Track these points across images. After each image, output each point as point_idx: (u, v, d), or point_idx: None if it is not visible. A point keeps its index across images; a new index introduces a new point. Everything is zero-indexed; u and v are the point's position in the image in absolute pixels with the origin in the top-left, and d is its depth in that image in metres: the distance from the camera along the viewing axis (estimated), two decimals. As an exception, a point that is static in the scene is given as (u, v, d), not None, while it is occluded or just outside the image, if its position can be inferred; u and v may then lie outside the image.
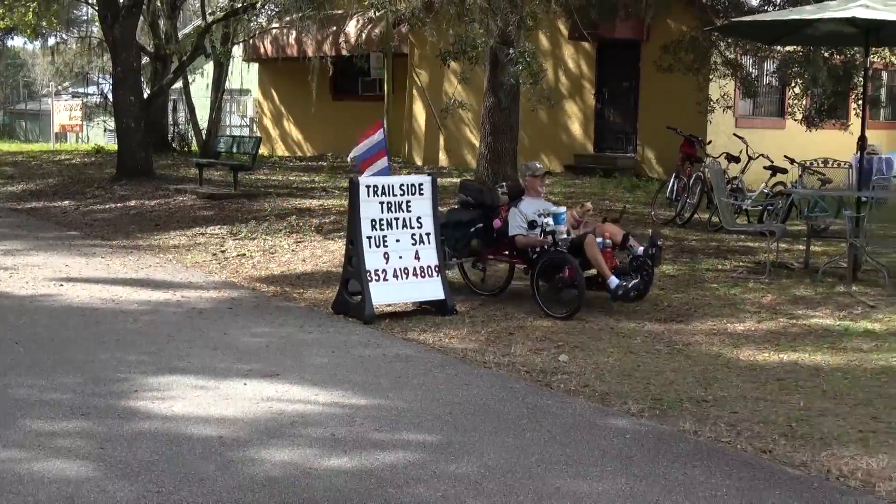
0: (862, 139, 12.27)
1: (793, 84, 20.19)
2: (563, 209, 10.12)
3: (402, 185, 9.70)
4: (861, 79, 16.57)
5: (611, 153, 23.71)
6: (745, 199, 15.17)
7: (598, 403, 6.80)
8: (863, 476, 5.41)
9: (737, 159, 16.47)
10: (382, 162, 11.13)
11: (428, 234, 9.72)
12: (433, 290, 9.65)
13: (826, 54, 18.70)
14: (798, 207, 14.94)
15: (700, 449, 5.86)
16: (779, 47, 18.58)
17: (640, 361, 7.84)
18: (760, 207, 14.90)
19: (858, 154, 12.73)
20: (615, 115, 24.21)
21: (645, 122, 23.11)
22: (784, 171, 15.84)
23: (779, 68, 20.62)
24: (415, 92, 26.80)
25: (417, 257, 9.63)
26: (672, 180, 16.66)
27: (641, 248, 9.65)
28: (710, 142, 18.35)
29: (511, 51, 14.88)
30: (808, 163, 16.49)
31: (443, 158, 26.17)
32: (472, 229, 10.37)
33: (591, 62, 24.11)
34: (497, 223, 10.30)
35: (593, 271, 9.65)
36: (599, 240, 9.66)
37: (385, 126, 11.67)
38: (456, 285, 10.58)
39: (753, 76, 21.56)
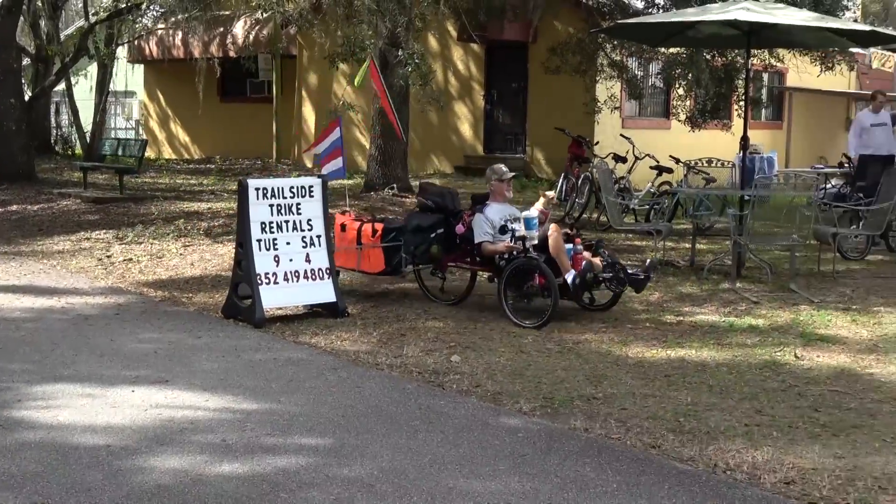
0: (744, 139, 12.55)
1: (677, 85, 20.56)
2: (534, 213, 9.62)
3: (291, 187, 9.61)
4: (743, 80, 16.93)
5: (500, 154, 23.86)
6: (632, 198, 15.40)
7: (491, 403, 6.83)
8: (748, 469, 5.52)
9: (624, 159, 16.71)
10: (337, 162, 10.99)
11: (319, 237, 9.65)
12: (324, 292, 9.59)
13: (709, 56, 19.09)
14: (683, 206, 15.23)
15: (591, 446, 5.92)
16: (663, 49, 18.91)
17: (532, 361, 7.89)
18: (647, 206, 15.15)
19: (741, 153, 12.99)
20: (504, 116, 24.38)
21: (534, 123, 23.31)
22: (670, 170, 16.12)
23: (663, 70, 20.99)
24: (304, 94, 26.64)
25: (308, 260, 9.55)
26: (561, 180, 16.84)
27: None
28: (597, 142, 18.61)
29: (400, 52, 14.88)
30: (692, 162, 16.80)
31: (333, 160, 26.02)
32: (433, 235, 9.95)
33: (481, 64, 24.24)
34: (460, 229, 9.84)
35: (563, 278, 9.19)
36: (569, 246, 9.33)
37: (341, 125, 11.18)
38: (411, 295, 10.38)
39: (639, 78, 21.91)
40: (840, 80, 27.25)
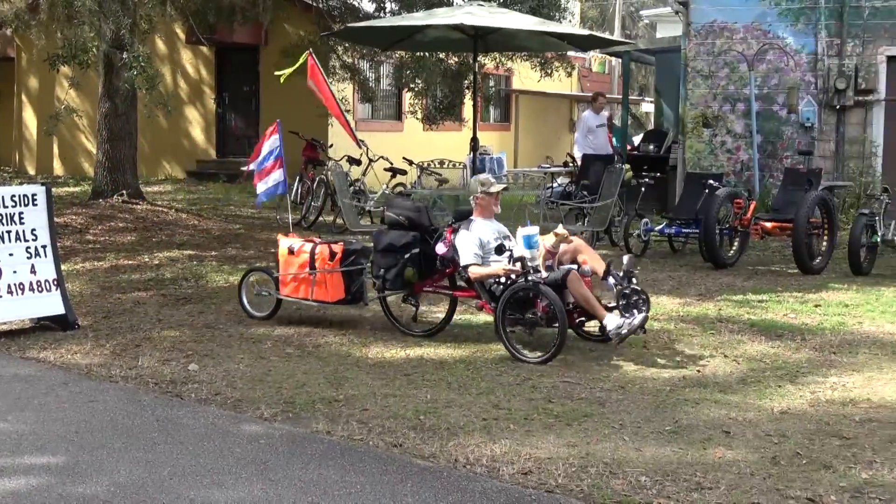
0: (474, 140, 12.88)
1: (408, 87, 20.86)
2: (535, 229, 8.42)
3: (13, 196, 9.14)
4: (472, 82, 17.34)
5: (234, 158, 23.61)
6: (367, 200, 15.53)
7: (231, 411, 6.72)
8: (488, 462, 5.65)
9: (358, 162, 16.83)
10: (277, 176, 9.78)
11: (44, 247, 9.22)
12: (52, 304, 9.18)
13: (442, 56, 19.47)
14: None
15: (334, 448, 5.92)
16: (396, 51, 19.16)
17: (272, 366, 7.82)
18: (382, 208, 15.29)
19: (472, 154, 13.32)
20: (237, 119, 24.12)
21: (267, 126, 23.13)
22: (403, 172, 16.35)
23: (394, 73, 21.26)
24: (24, 98, 25.48)
25: (34, 271, 9.11)
26: (296, 184, 16.80)
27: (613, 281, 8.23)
28: (331, 145, 18.66)
29: (125, 55, 14.44)
30: (425, 164, 17.11)
31: (58, 167, 25.08)
32: (407, 255, 8.71)
33: (211, 67, 23.88)
34: (442, 248, 8.62)
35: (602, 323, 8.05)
36: (573, 266, 8.26)
37: (280, 130, 10.01)
38: (374, 324, 9.33)
39: (371, 80, 22.10)
40: (563, 82, 28.33)
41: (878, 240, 11.98)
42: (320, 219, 16.07)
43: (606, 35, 23.91)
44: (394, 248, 8.76)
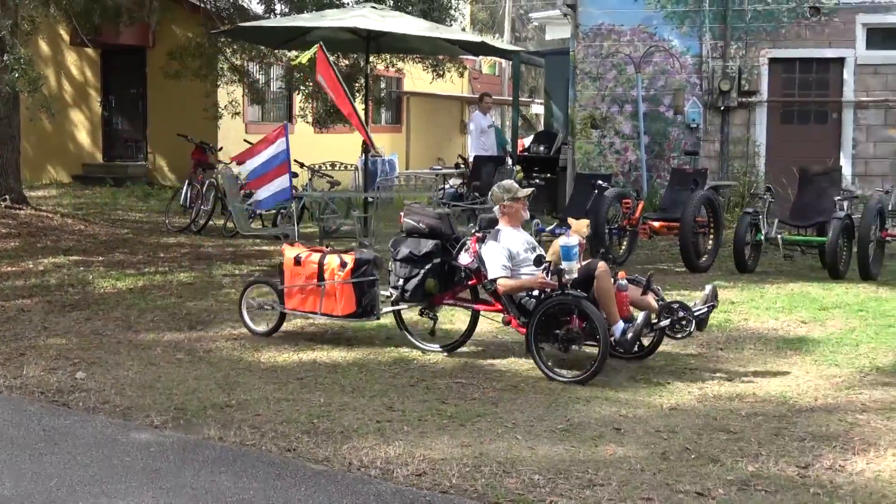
0: (366, 142, 12.83)
1: (299, 89, 20.73)
2: (575, 239, 7.72)
3: None
4: (364, 84, 17.31)
5: (121, 161, 23.24)
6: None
7: (120, 419, 6.60)
8: (382, 464, 5.64)
9: (249, 164, 16.63)
10: (283, 181, 9.35)
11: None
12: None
13: (333, 59, 19.36)
14: (310, 210, 15.37)
15: (226, 454, 5.85)
16: (286, 53, 19.02)
17: (162, 372, 7.70)
18: (274, 211, 15.17)
19: (363, 156, 13.29)
20: (124, 122, 23.73)
21: (155, 130, 22.82)
22: (295, 174, 16.22)
23: (284, 75, 21.11)
24: None
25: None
26: (185, 187, 16.61)
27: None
28: (221, 148, 18.45)
29: (6, 57, 14.08)
30: (317, 166, 17.01)
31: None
32: (428, 266, 8.21)
33: (96, 69, 23.46)
34: (466, 259, 8.11)
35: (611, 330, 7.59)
36: (619, 281, 7.78)
37: (287, 133, 9.51)
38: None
39: (261, 82, 21.91)
40: (454, 84, 28.44)
41: (762, 238, 12.26)
42: (210, 223, 15.88)
43: (498, 42, 24.10)
44: (414, 258, 8.23)
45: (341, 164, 18.32)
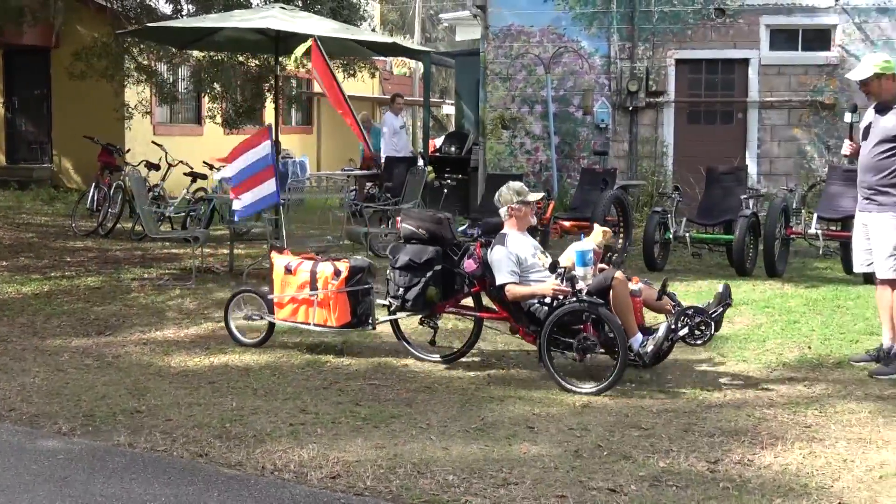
0: (276, 143, 12.74)
1: (208, 90, 20.53)
2: (590, 244, 7.61)
3: None
4: (273, 84, 17.20)
5: (25, 164, 22.81)
6: (167, 206, 15.20)
7: (27, 426, 6.46)
8: (296, 467, 5.61)
9: (157, 167, 16.46)
10: (270, 185, 8.87)
11: None
12: None
13: (242, 59, 19.24)
14: (220, 212, 15.22)
15: (136, 461, 5.76)
16: (195, 53, 18.83)
17: (69, 378, 7.56)
18: (183, 214, 15.01)
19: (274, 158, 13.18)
20: (28, 124, 23.31)
21: (60, 131, 22.44)
22: (204, 176, 16.07)
23: (193, 74, 20.88)
24: None
25: None
26: (92, 190, 16.36)
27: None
28: (128, 150, 18.19)
29: None
30: (227, 168, 16.85)
31: None
32: (430, 273, 7.81)
33: (-2, 70, 22.99)
34: (471, 265, 7.69)
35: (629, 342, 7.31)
36: (632, 286, 7.46)
37: (272, 135, 9.10)
38: (381, 343, 8.52)
39: (169, 83, 21.65)
40: (365, 85, 28.37)
41: (671, 236, 12.44)
42: (118, 226, 15.64)
43: (408, 43, 24.10)
44: (414, 265, 7.81)
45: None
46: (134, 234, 15.14)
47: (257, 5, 17.23)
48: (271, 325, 8.53)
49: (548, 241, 13.27)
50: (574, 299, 7.22)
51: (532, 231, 12.82)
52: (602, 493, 5.19)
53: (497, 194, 7.95)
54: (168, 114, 23.90)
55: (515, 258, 7.56)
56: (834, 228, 12.44)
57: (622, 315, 7.19)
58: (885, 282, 7.64)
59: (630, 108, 17.38)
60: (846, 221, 12.19)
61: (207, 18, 14.03)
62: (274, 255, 8.68)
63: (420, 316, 8.13)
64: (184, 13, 18.78)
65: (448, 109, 36.07)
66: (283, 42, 12.58)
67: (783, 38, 17.35)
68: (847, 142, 8.12)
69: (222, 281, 11.59)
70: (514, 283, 7.49)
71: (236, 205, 9.59)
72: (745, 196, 12.32)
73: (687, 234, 12.37)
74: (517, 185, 8.03)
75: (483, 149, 17.79)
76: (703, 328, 7.36)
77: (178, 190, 16.73)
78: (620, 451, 5.86)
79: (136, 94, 20.44)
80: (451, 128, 28.77)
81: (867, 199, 7.73)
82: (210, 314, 9.85)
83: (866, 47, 16.80)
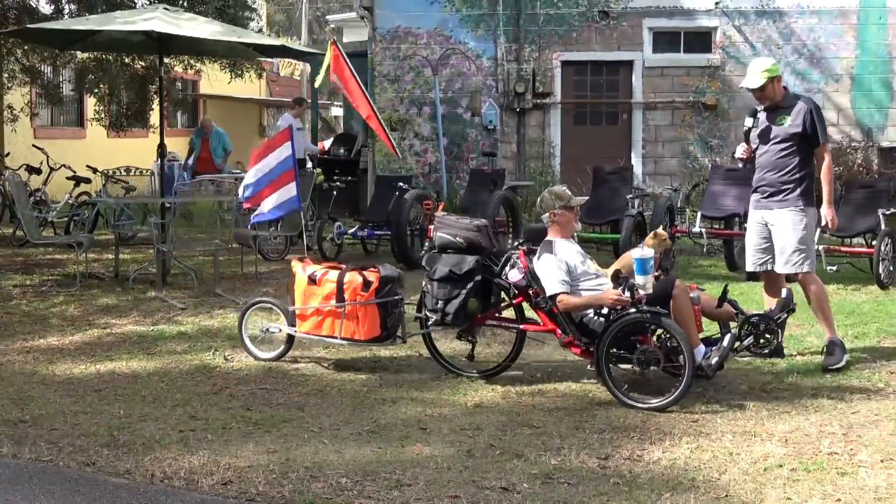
0: (161, 146, 12.56)
1: (92, 92, 20.15)
2: (650, 252, 7.03)
3: None
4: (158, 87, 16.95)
5: None
6: (49, 210, 14.89)
7: None
8: (186, 474, 5.53)
9: (38, 171, 16.14)
10: (290, 189, 8.38)
11: None
12: None
13: (128, 61, 18.92)
14: (104, 216, 14.96)
15: (21, 472, 5.62)
16: (79, 54, 18.45)
17: (-51, 389, 7.35)
18: (67, 218, 14.71)
19: (159, 161, 13.00)
20: None
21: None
22: (87, 180, 15.78)
23: (76, 76, 20.47)
24: None
25: None
26: (-31, 196, 15.92)
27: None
28: (8, 153, 17.76)
29: None
30: (110, 171, 16.57)
31: None
32: (470, 284, 7.33)
33: None
34: (516, 275, 7.28)
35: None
36: (693, 293, 7.13)
37: (293, 134, 8.80)
38: (407, 358, 8.07)
39: (53, 85, 21.20)
40: (252, 86, 28.13)
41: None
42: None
43: (295, 45, 23.91)
44: (455, 277, 7.31)
45: (137, 168, 17.89)
46: (15, 239, 14.77)
47: (142, 6, 16.95)
48: (290, 338, 8.05)
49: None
50: (634, 310, 6.79)
51: (423, 232, 12.94)
52: (495, 492, 5.23)
53: (539, 200, 7.52)
54: (49, 117, 23.37)
55: (566, 267, 7.13)
56: (717, 227, 12.71)
57: (684, 325, 6.81)
58: (807, 276, 7.81)
59: (517, 110, 17.55)
60: (729, 220, 12.50)
61: (90, 19, 13.74)
62: (294, 263, 8.10)
63: (458, 330, 7.64)
64: (65, 13, 18.37)
65: (337, 111, 35.95)
66: (167, 43, 12.39)
67: (666, 41, 17.70)
68: (742, 145, 8.18)
69: (107, 287, 11.38)
70: (566, 293, 7.05)
71: (259, 210, 9.20)
72: (631, 195, 12.51)
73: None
74: (560, 189, 7.59)
75: (372, 151, 17.79)
76: (769, 336, 7.15)
77: (60, 194, 16.39)
78: (513, 449, 5.90)
79: (21, 96, 19.96)
80: (340, 129, 28.70)
81: (768, 196, 7.86)
82: (95, 320, 9.66)
83: (746, 49, 17.24)
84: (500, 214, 12.72)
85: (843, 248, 11.49)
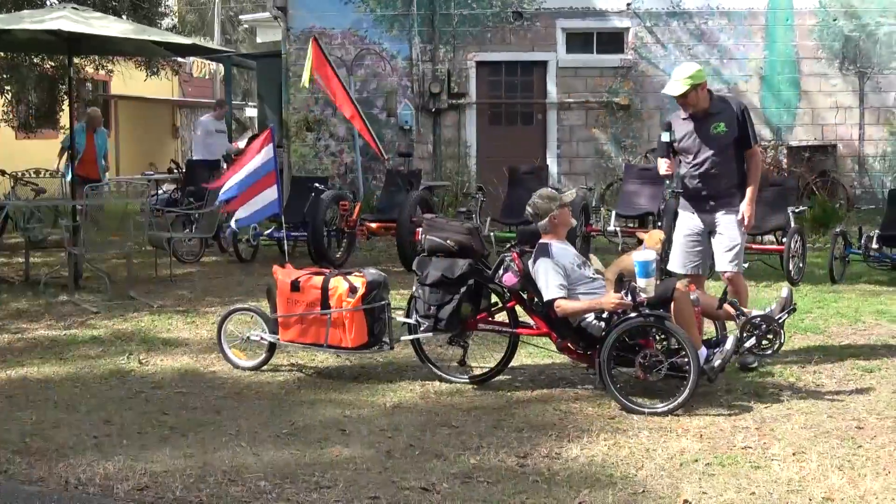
0: (72, 147, 12.38)
1: (0, 92, 19.79)
2: (652, 254, 6.90)
3: None
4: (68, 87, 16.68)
5: None
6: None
7: None
8: (101, 481, 5.45)
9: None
10: (270, 193, 8.11)
11: None
12: None
13: (38, 61, 18.62)
14: (14, 219, 14.67)
15: (-71, 482, 5.50)
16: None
17: None
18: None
19: (70, 163, 12.80)
20: None
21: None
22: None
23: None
24: None
25: None
26: None
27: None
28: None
29: None
30: (20, 173, 16.27)
31: None
32: (463, 289, 7.16)
33: None
34: (510, 279, 7.10)
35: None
36: (692, 295, 6.99)
37: (274, 138, 8.39)
38: (402, 365, 7.83)
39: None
40: (164, 87, 27.82)
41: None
42: None
43: (209, 43, 23.73)
44: (447, 281, 7.11)
45: (46, 170, 17.58)
46: (-79, 244, 14.44)
47: (51, 5, 16.67)
48: (271, 346, 7.79)
49: (355, 242, 13.33)
50: (635, 314, 6.69)
51: (339, 233, 12.92)
52: (415, 493, 5.24)
53: (531, 209, 7.28)
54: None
55: (563, 270, 6.96)
56: (632, 225, 12.86)
57: (686, 328, 6.69)
58: (738, 276, 7.83)
59: (433, 110, 17.58)
60: (643, 218, 12.65)
61: (-3, 19, 13.50)
62: (276, 269, 7.83)
63: (450, 335, 7.44)
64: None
65: (251, 112, 35.69)
66: (77, 42, 12.19)
67: (579, 41, 17.86)
68: (664, 162, 7.83)
69: (18, 291, 11.19)
70: (564, 297, 6.90)
71: (239, 214, 9.02)
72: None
73: (492, 234, 12.57)
74: (546, 191, 7.48)
75: (287, 151, 17.68)
76: (772, 337, 7.03)
77: (-33, 197, 16.05)
78: (432, 449, 5.92)
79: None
80: (255, 130, 28.50)
81: (715, 204, 7.69)
82: (6, 325, 9.48)
83: (658, 49, 17.46)
84: (416, 215, 12.72)
85: (754, 246, 11.68)
